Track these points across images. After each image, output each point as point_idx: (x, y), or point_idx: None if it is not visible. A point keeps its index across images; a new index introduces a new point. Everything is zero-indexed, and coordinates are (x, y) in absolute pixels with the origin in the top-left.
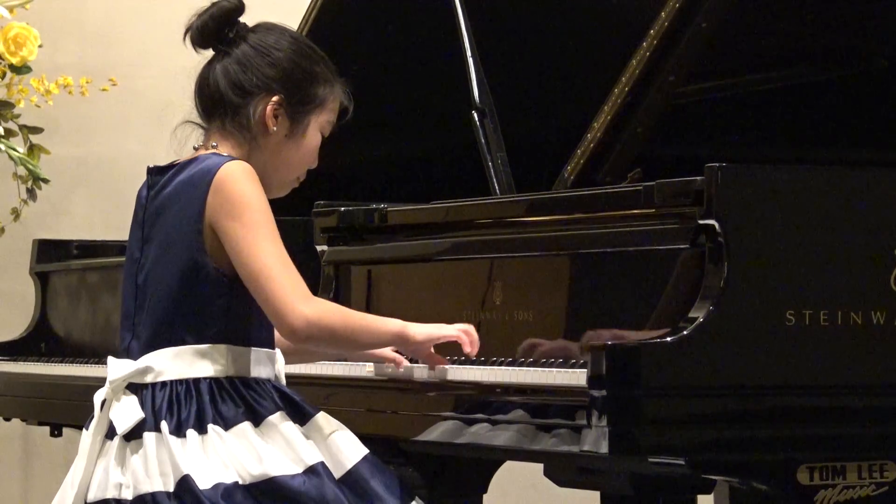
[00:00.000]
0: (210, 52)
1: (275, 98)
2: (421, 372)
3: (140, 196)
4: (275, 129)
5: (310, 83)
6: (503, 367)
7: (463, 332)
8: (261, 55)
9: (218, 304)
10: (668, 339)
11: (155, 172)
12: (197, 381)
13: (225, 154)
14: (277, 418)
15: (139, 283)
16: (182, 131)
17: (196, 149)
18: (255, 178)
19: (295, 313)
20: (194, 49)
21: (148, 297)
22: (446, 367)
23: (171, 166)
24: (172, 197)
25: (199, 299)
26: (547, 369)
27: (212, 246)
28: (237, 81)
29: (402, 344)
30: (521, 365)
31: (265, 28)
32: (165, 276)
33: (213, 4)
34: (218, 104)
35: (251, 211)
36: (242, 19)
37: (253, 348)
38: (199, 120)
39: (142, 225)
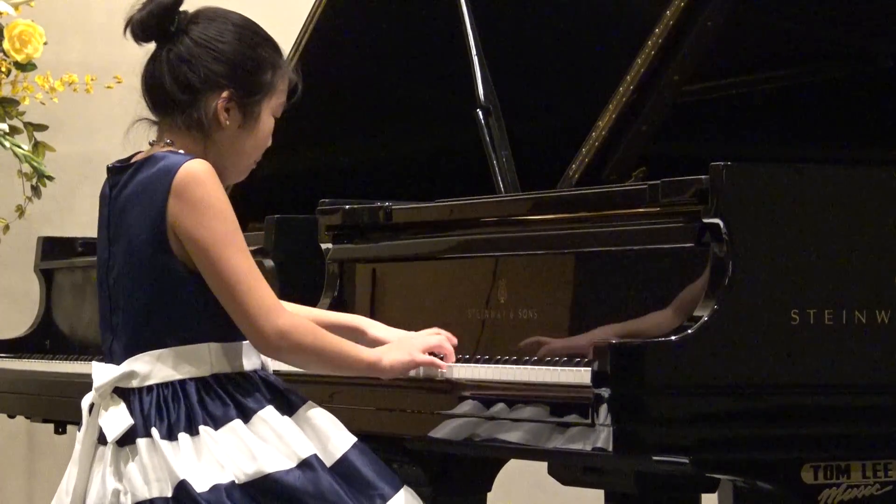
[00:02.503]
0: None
1: (224, 93)
2: (424, 370)
3: (103, 195)
4: (227, 123)
5: (257, 71)
6: (507, 366)
7: (435, 348)
8: (205, 50)
9: (193, 303)
10: (673, 337)
11: (115, 171)
12: (183, 382)
13: (181, 152)
14: (267, 413)
15: (111, 284)
16: (138, 128)
17: (151, 144)
18: (216, 178)
19: (268, 325)
20: (136, 43)
21: (121, 298)
22: (453, 365)
23: (129, 165)
24: (132, 197)
25: (173, 301)
26: (552, 368)
27: (178, 248)
28: (184, 80)
29: (375, 374)
30: (525, 363)
31: (207, 17)
32: (135, 278)
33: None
34: (167, 101)
35: (217, 219)
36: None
37: (235, 343)
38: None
39: (107, 226)
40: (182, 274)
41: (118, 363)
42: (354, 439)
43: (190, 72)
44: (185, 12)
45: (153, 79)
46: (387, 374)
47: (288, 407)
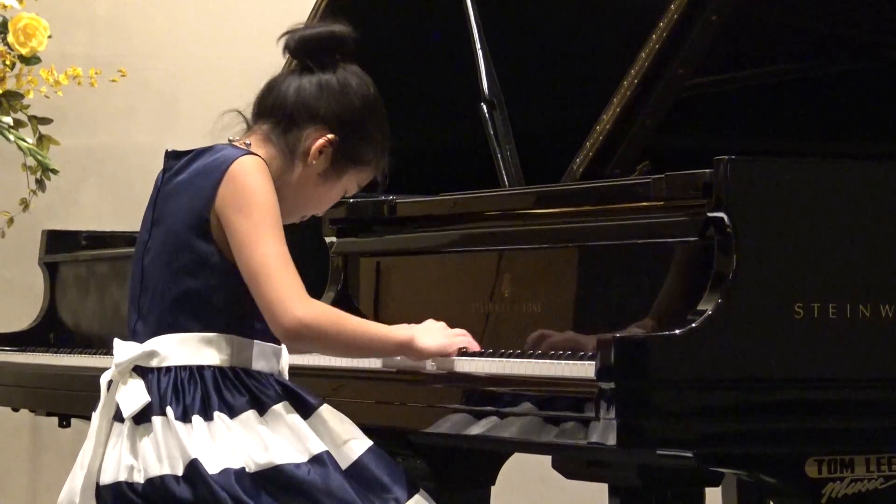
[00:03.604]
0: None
1: (330, 136)
2: (427, 363)
3: (157, 179)
4: (314, 163)
5: (365, 142)
6: (512, 360)
7: (465, 341)
8: (340, 92)
9: (223, 293)
10: (677, 331)
11: (172, 157)
12: (201, 368)
13: (244, 148)
14: (282, 408)
15: (145, 265)
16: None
17: (231, 141)
18: (268, 174)
19: (287, 312)
20: (284, 54)
21: (153, 280)
22: (454, 358)
23: (188, 152)
24: (185, 183)
25: (204, 289)
26: (555, 361)
27: (219, 236)
28: (307, 103)
29: (409, 355)
30: (529, 357)
31: (355, 72)
32: (171, 261)
33: (329, 26)
34: (276, 112)
35: (259, 206)
36: None
37: (258, 342)
38: (246, 114)
39: (153, 207)
40: (218, 263)
41: (140, 342)
42: (370, 443)
43: (315, 99)
44: (338, 56)
45: (280, 87)
46: (420, 354)
47: (303, 409)
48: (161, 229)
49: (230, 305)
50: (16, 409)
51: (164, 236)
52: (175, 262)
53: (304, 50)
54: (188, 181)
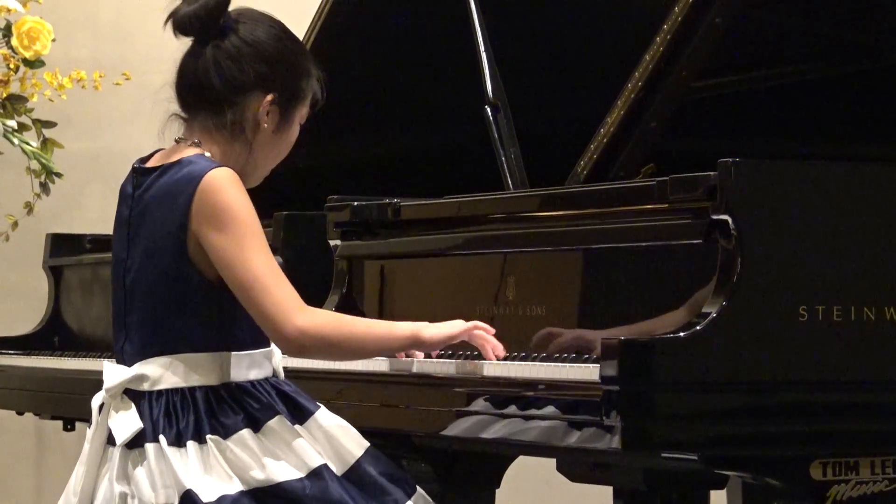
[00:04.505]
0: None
1: (269, 97)
2: (432, 367)
3: (125, 193)
4: (265, 126)
5: (298, 78)
6: (515, 363)
7: (478, 330)
8: (254, 50)
9: (207, 312)
10: (681, 334)
11: (140, 173)
12: (192, 390)
13: (208, 155)
14: (277, 423)
15: (127, 285)
16: (170, 123)
17: (177, 141)
18: (240, 185)
19: (288, 324)
20: (175, 35)
21: (136, 300)
22: (455, 361)
23: (153, 168)
24: (155, 201)
25: (187, 308)
26: (560, 364)
27: (196, 255)
28: (232, 78)
29: (416, 347)
30: (533, 360)
31: (252, 18)
32: (152, 282)
33: None
34: (205, 97)
35: (239, 222)
36: None
37: (247, 352)
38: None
39: (127, 224)
40: (198, 282)
41: (129, 364)
42: (367, 445)
43: (238, 71)
44: (229, 11)
45: (194, 75)
46: (427, 345)
47: (300, 414)
48: (139, 249)
49: (216, 322)
50: (20, 413)
51: (142, 257)
52: (156, 284)
53: (197, 25)
54: (158, 199)
